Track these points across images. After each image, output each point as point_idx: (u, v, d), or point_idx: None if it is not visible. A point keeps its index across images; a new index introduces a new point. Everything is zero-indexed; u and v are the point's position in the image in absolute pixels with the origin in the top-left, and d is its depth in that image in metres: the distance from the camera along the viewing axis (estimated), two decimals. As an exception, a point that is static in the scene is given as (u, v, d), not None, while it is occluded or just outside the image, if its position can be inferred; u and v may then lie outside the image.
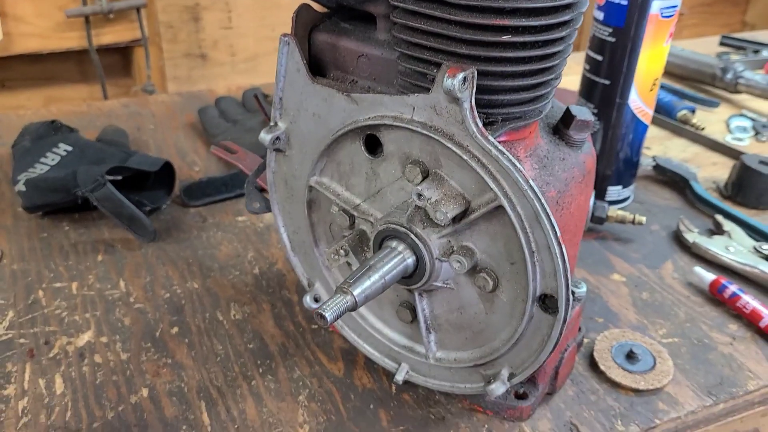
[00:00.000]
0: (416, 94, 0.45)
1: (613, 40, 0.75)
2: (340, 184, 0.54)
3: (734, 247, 0.75)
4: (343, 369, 0.61)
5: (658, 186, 0.91)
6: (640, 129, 0.80)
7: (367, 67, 0.51)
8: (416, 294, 0.53)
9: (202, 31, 1.81)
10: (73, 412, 0.56)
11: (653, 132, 1.05)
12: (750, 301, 0.67)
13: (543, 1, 0.42)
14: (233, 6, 1.82)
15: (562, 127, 0.52)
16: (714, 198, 0.85)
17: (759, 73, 1.17)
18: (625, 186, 0.84)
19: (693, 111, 1.08)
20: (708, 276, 0.71)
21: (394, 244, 0.49)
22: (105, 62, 1.72)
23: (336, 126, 0.50)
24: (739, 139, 1.04)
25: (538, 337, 0.49)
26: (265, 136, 0.54)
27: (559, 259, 0.44)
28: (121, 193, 0.75)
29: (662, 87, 1.15)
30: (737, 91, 1.15)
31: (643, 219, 0.76)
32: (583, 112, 0.52)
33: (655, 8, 0.72)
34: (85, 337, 0.64)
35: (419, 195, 0.46)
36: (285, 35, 0.51)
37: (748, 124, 1.08)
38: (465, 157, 0.44)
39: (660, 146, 1.02)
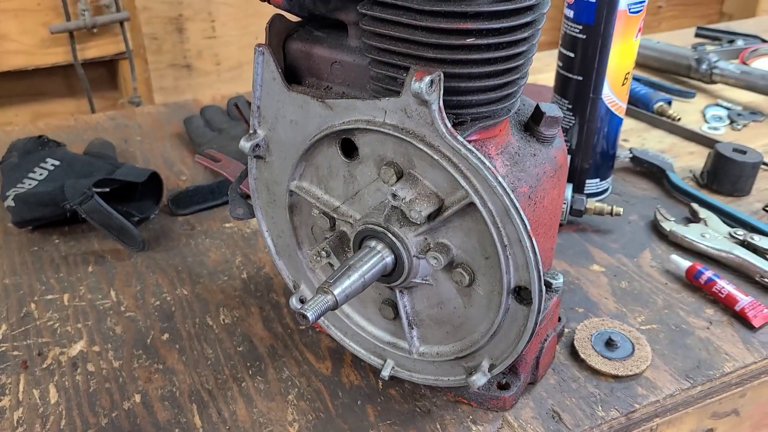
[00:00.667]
0: (387, 98, 0.47)
1: (583, 37, 0.76)
2: (320, 188, 0.55)
3: (710, 234, 0.77)
4: (330, 367, 0.63)
5: (636, 177, 0.93)
6: (615, 122, 0.82)
7: (341, 73, 0.53)
8: (397, 291, 0.54)
9: (187, 42, 1.83)
10: (67, 420, 0.58)
11: (631, 124, 1.07)
12: (725, 285, 0.69)
13: (505, 4, 0.44)
14: (216, 15, 1.83)
15: (533, 124, 0.54)
16: (690, 187, 0.87)
17: (733, 63, 1.19)
18: (602, 178, 0.86)
19: (669, 102, 1.10)
20: (684, 263, 0.73)
21: (372, 243, 0.50)
22: (91, 76, 1.73)
23: (313, 131, 0.52)
24: (715, 128, 1.06)
25: (515, 328, 0.50)
26: (245, 144, 0.56)
27: (530, 252, 0.46)
28: (110, 204, 0.77)
29: (639, 80, 1.17)
30: (712, 81, 1.16)
31: (621, 210, 0.78)
32: (553, 109, 0.54)
33: (623, 4, 0.74)
34: (78, 347, 0.65)
35: (394, 195, 0.47)
36: (259, 45, 0.52)
37: (723, 113, 1.10)
38: (436, 157, 0.46)
39: (638, 138, 1.04)
